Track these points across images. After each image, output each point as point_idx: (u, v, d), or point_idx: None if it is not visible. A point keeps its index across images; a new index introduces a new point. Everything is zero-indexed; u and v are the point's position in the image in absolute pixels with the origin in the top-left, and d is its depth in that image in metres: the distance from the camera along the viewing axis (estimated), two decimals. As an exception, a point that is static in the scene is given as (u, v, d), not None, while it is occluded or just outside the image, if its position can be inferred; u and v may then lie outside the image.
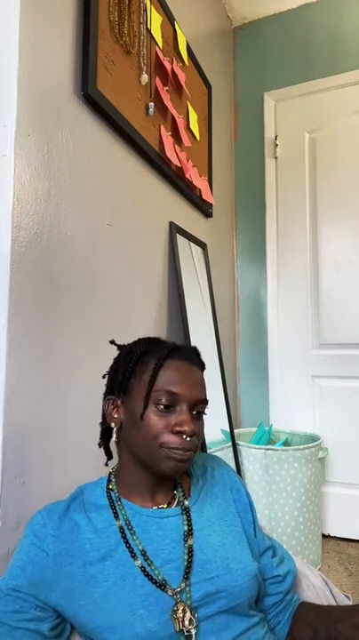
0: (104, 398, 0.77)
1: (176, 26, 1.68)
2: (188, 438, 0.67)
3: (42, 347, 0.98)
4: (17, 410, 0.90)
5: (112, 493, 0.73)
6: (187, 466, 0.70)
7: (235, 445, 1.83)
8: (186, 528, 0.70)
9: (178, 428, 0.67)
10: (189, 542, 0.68)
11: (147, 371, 0.70)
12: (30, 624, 0.64)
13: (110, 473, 0.76)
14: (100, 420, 0.79)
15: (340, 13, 2.28)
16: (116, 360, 0.78)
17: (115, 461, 0.79)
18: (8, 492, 0.87)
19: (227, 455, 1.74)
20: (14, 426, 0.90)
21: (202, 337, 1.74)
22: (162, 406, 0.68)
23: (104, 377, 0.80)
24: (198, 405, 0.71)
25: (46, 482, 0.97)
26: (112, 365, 0.78)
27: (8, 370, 0.88)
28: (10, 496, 0.88)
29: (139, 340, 0.78)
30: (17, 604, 0.65)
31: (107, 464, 0.80)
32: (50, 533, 0.68)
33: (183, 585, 0.65)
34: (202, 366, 0.78)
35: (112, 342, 0.82)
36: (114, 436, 0.74)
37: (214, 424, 1.74)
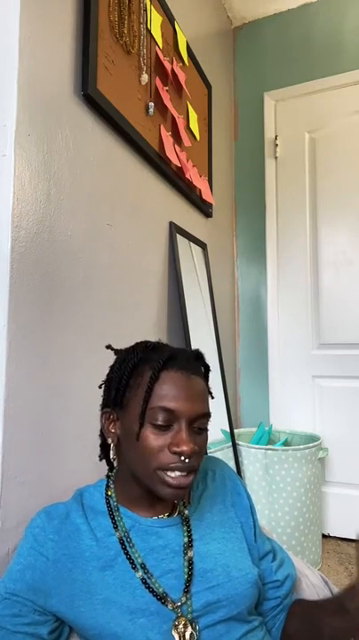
0: (101, 410, 0.74)
1: (176, 26, 1.68)
2: (187, 460, 0.63)
3: (42, 347, 0.98)
4: (17, 410, 0.90)
5: (111, 500, 0.71)
6: (186, 492, 0.66)
7: (235, 445, 1.83)
8: (186, 540, 0.69)
9: (175, 449, 0.63)
10: (189, 554, 0.67)
11: (143, 384, 0.66)
12: (29, 628, 0.64)
13: (109, 477, 0.75)
14: (99, 433, 0.76)
15: (340, 13, 2.28)
16: (112, 369, 0.74)
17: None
18: (8, 491, 0.87)
19: (227, 455, 1.74)
20: (14, 426, 0.90)
21: (202, 337, 1.74)
22: (158, 425, 0.64)
23: (100, 387, 0.76)
24: (199, 421, 0.66)
25: (46, 482, 0.97)
26: (108, 374, 0.74)
27: (8, 370, 0.88)
28: (10, 496, 0.88)
29: (136, 345, 0.73)
30: (16, 609, 0.65)
31: (108, 475, 0.77)
32: (50, 538, 0.67)
33: (184, 599, 0.64)
34: (205, 371, 0.73)
35: (109, 347, 0.77)
36: (111, 452, 0.72)
37: (214, 424, 1.74)
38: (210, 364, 0.77)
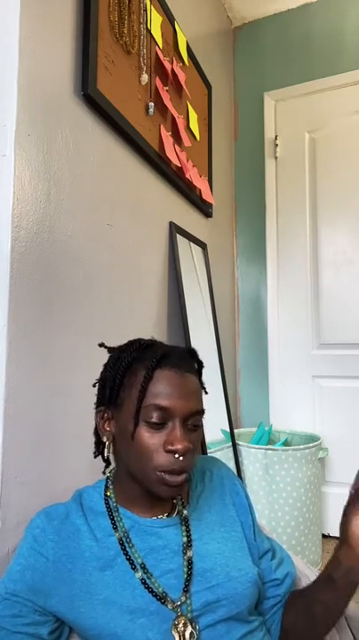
0: (95, 409, 0.74)
1: (176, 26, 1.68)
2: (181, 457, 0.64)
3: (42, 346, 0.98)
4: (17, 410, 0.90)
5: (110, 501, 0.71)
6: (182, 489, 0.66)
7: (235, 445, 1.83)
8: (185, 540, 0.69)
9: (169, 447, 0.64)
10: (189, 554, 0.67)
11: (136, 383, 0.66)
12: (29, 628, 0.64)
13: (108, 478, 0.75)
14: (93, 431, 0.76)
15: (340, 13, 2.28)
16: (106, 367, 0.74)
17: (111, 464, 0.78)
18: (8, 492, 0.87)
19: (227, 455, 1.74)
20: (14, 426, 0.90)
21: (202, 337, 1.74)
22: (153, 423, 0.65)
23: (94, 386, 0.76)
24: (193, 418, 0.67)
25: (46, 482, 0.97)
26: (102, 373, 0.74)
27: (8, 370, 0.88)
28: (10, 496, 0.88)
29: (129, 343, 0.73)
30: (16, 609, 0.65)
31: (104, 472, 0.77)
32: (50, 538, 0.67)
33: (183, 598, 0.64)
34: (198, 368, 0.74)
35: (102, 345, 0.78)
36: (106, 450, 0.72)
37: (214, 424, 1.74)
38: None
